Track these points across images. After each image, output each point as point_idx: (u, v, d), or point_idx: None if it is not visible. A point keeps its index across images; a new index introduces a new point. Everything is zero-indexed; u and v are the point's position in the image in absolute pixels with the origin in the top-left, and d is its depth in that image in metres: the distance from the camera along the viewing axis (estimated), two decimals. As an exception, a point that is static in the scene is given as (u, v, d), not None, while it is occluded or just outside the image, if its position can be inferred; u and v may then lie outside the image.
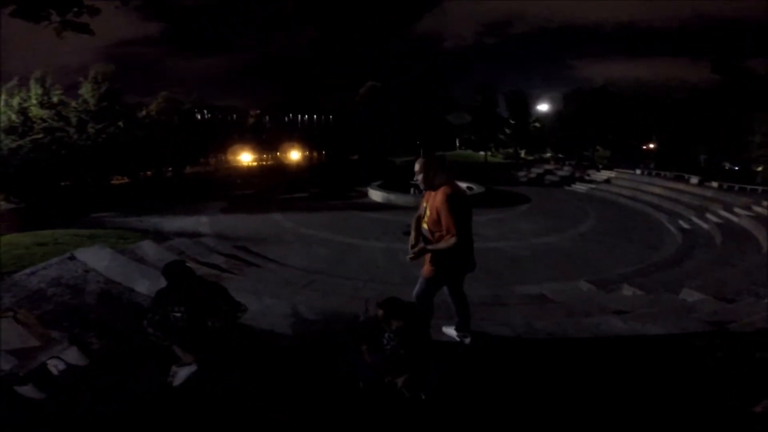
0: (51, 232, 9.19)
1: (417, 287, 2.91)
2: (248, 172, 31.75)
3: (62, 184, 18.96)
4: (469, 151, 45.50)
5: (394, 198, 13.59)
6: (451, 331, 3.18)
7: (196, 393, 2.46)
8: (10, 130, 16.91)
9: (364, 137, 30.63)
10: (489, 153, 40.92)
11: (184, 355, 2.55)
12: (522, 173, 27.71)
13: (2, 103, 16.76)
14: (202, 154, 32.38)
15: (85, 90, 19.59)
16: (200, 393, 2.46)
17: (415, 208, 12.02)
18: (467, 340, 3.10)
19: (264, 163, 39.72)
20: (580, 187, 22.14)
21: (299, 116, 38.67)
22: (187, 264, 2.78)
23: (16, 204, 18.49)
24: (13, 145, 16.96)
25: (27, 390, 2.36)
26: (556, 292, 5.79)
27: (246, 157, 39.10)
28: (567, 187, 22.60)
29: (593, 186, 21.61)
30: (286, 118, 37.78)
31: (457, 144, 53.37)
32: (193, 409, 2.36)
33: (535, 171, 27.43)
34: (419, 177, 2.72)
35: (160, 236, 9.67)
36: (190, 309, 2.56)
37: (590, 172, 24.59)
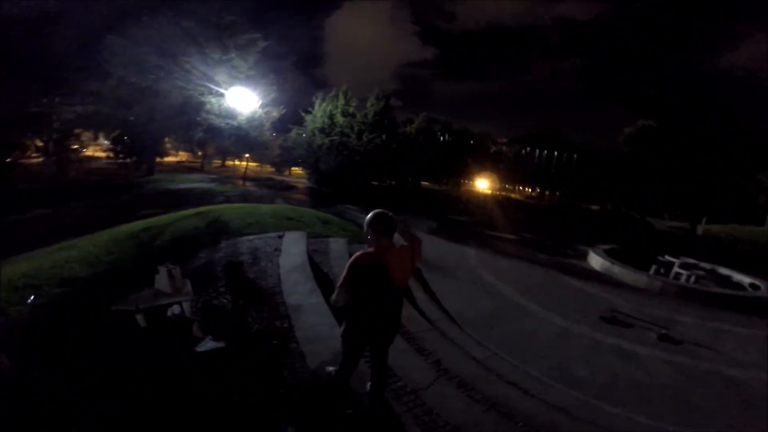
0: (304, 210, 12.09)
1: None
2: (476, 198, 32.50)
3: (340, 176, 24.94)
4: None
5: (617, 271, 10.19)
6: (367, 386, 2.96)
7: (214, 365, 2.80)
8: (321, 130, 23.81)
9: (619, 186, 25.30)
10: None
11: (198, 332, 3.14)
12: None
13: (321, 109, 23.65)
14: (440, 172, 35.65)
15: (370, 104, 25.00)
16: (219, 366, 2.79)
17: (646, 291, 8.95)
18: None
19: (494, 192, 39.60)
20: None
21: (539, 150, 36.01)
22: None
23: (312, 184, 26.09)
24: (320, 142, 23.88)
25: (139, 318, 3.28)
26: None
27: (481, 184, 40.09)
28: None
29: None
30: (523, 151, 36.08)
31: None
32: (192, 408, 2.49)
33: None
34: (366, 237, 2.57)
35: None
36: (234, 301, 3.22)
37: None
